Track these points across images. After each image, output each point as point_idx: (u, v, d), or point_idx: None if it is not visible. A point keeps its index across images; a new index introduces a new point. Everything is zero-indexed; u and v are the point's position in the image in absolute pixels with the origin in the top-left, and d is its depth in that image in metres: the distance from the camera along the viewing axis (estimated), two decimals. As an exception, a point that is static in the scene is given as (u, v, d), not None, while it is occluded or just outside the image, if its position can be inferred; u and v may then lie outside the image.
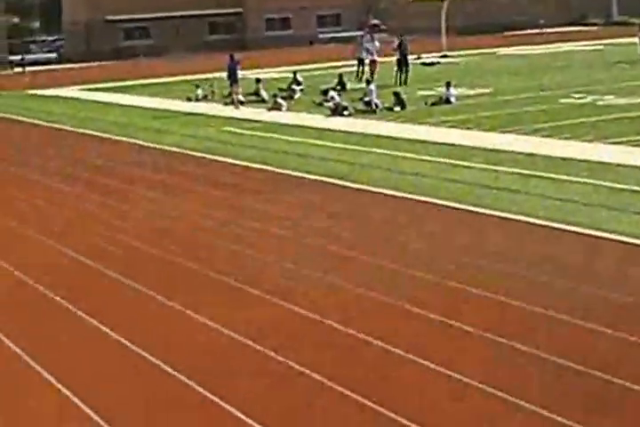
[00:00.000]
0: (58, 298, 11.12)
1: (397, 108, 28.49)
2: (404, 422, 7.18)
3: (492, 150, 20.03)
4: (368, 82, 30.34)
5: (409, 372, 8.31)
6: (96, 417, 7.64)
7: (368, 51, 37.91)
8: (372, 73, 36.90)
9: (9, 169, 22.05)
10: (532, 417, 7.18)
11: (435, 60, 47.20)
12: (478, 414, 7.31)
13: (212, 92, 36.57)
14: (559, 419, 7.07)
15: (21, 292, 11.66)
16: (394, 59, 37.32)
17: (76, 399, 8.03)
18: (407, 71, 36.48)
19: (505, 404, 7.44)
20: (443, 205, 15.05)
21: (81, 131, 28.73)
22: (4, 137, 28.65)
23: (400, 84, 35.42)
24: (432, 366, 8.31)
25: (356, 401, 7.63)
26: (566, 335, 9.04)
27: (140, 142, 25.10)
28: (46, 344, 9.61)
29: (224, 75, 34.39)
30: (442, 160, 19.29)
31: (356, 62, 39.65)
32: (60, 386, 8.35)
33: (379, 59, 37.90)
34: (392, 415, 7.31)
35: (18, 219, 15.98)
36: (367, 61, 38.16)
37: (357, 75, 38.27)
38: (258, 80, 35.83)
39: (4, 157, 24.03)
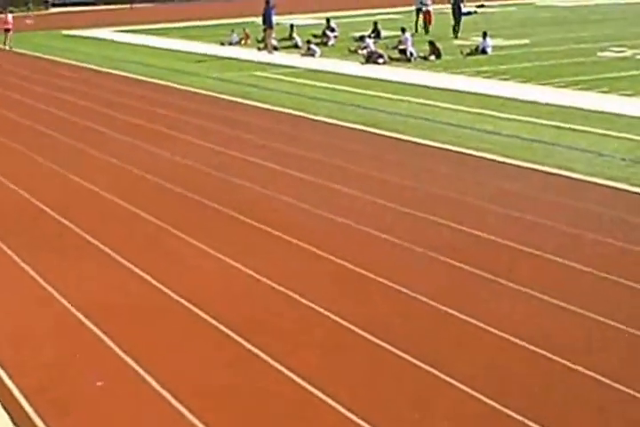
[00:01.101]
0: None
1: (432, 58, 28.18)
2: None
3: (528, 102, 19.80)
4: (403, 30, 30.00)
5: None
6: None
7: (422, 2, 37.15)
8: (426, 23, 36.50)
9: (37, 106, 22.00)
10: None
11: (471, 9, 46.58)
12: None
13: (246, 36, 36.32)
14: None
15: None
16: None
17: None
18: (459, 22, 35.48)
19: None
20: (476, 156, 14.92)
21: (115, 72, 28.55)
22: (39, 78, 28.50)
23: (455, 35, 34.77)
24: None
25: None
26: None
27: (174, 85, 24.94)
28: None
29: (259, 19, 34.13)
30: (476, 111, 19.08)
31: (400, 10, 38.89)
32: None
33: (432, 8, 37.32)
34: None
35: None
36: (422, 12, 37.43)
37: (416, 25, 37.40)
38: (292, 26, 35.56)
39: (33, 96, 23.95)
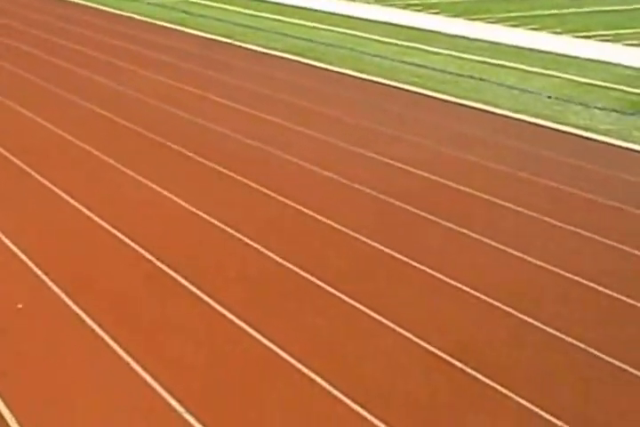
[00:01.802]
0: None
1: (364, -11, 27.89)
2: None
3: (457, 37, 19.69)
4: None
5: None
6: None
7: None
8: None
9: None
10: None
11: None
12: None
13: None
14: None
15: None
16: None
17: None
18: None
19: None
20: (402, 89, 14.83)
21: None
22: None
23: None
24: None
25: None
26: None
27: (100, 7, 24.37)
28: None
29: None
30: (405, 44, 18.93)
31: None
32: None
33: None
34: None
35: None
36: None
37: None
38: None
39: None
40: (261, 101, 13.92)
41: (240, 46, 18.72)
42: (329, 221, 8.86)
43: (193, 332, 6.65)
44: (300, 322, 6.84)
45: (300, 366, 6.11)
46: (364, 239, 8.46)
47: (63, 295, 7.21)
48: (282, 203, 9.42)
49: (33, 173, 10.32)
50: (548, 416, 5.48)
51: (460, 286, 7.41)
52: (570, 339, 6.50)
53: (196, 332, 6.65)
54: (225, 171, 10.40)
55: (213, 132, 12.19)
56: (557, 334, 6.57)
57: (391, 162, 10.83)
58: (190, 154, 11.07)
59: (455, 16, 22.58)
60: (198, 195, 9.65)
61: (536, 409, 5.54)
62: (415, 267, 7.82)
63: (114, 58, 17.25)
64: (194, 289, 7.33)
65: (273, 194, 9.63)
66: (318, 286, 7.44)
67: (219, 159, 10.80)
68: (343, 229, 8.68)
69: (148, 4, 25.10)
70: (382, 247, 8.23)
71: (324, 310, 7.05)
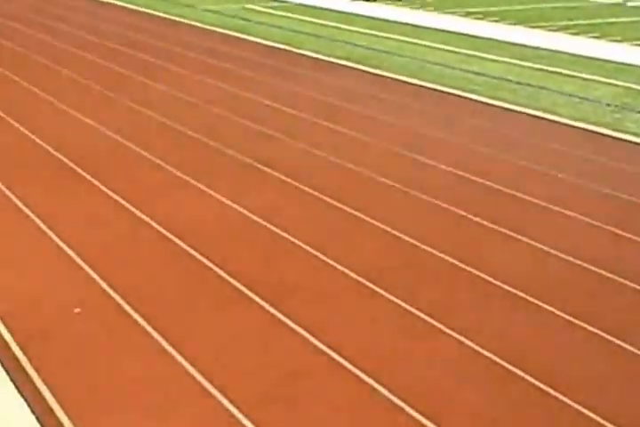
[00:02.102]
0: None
1: (424, -3, 27.98)
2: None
3: (517, 44, 19.69)
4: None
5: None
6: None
7: None
8: None
9: None
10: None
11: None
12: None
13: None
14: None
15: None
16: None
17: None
18: None
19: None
20: (461, 96, 14.88)
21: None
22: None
23: None
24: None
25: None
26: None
27: (162, 15, 24.67)
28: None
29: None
30: (464, 51, 18.97)
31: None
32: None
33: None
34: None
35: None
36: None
37: None
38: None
39: None
40: (321, 109, 14.03)
41: (300, 54, 18.86)
42: (389, 229, 8.95)
43: (256, 343, 6.75)
44: (356, 327, 6.94)
45: (358, 372, 6.22)
46: (429, 249, 8.56)
47: (122, 302, 7.35)
48: (344, 211, 9.53)
49: (94, 180, 10.52)
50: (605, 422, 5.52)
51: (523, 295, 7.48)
52: (630, 347, 6.53)
53: (258, 342, 6.74)
54: (289, 179, 10.53)
55: (275, 139, 12.32)
56: (618, 342, 6.60)
57: (449, 169, 10.89)
58: (256, 164, 11.21)
59: (515, 24, 22.57)
60: (263, 205, 9.76)
61: (594, 416, 5.58)
62: (472, 273, 7.89)
63: (174, 65, 17.48)
64: (259, 300, 7.46)
65: (335, 202, 9.74)
66: (374, 291, 7.55)
67: (284, 169, 10.93)
68: (410, 239, 8.78)
69: (208, 11, 25.41)
70: (446, 256, 8.32)
71: (377, 314, 7.14)
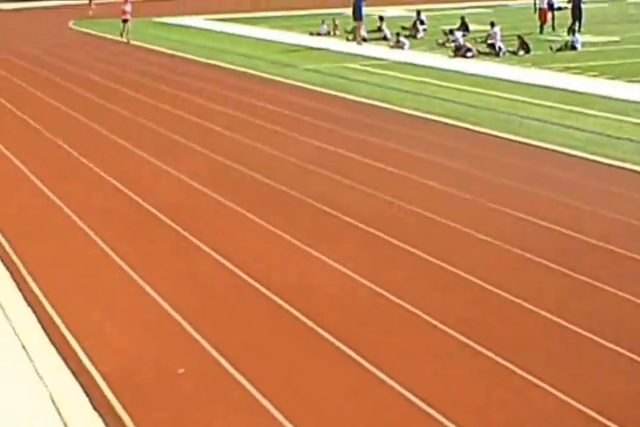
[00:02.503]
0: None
1: (521, 53, 28.07)
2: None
3: (615, 99, 19.68)
4: (492, 24, 29.86)
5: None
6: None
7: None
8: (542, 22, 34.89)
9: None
10: None
11: (561, 4, 46.03)
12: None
13: (336, 27, 36.51)
14: None
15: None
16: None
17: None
18: (580, 19, 33.35)
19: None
20: (559, 152, 14.95)
21: (213, 62, 28.73)
22: (135, 65, 29.02)
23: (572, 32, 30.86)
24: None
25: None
26: None
27: (264, 75, 25.23)
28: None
29: (348, 11, 34.30)
30: (562, 106, 19.03)
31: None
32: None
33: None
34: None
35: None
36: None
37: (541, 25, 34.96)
38: (381, 18, 35.65)
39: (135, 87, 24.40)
40: (418, 166, 14.21)
41: (398, 111, 19.11)
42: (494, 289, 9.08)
43: (348, 397, 6.91)
44: (451, 383, 7.07)
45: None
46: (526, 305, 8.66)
47: (223, 361, 7.52)
48: (448, 271, 9.69)
49: (180, 229, 10.86)
50: None
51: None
52: None
53: (351, 396, 6.91)
54: (388, 237, 10.74)
55: (372, 196, 12.53)
56: None
57: (555, 228, 10.98)
58: (354, 222, 11.46)
59: (614, 78, 22.54)
60: (364, 264, 9.93)
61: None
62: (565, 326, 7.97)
63: (270, 123, 17.82)
64: (358, 358, 7.64)
65: (434, 259, 9.91)
66: (464, 342, 7.66)
67: (380, 226, 11.12)
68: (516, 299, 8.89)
69: (307, 70, 25.91)
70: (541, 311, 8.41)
71: (475, 370, 7.25)
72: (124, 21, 35.43)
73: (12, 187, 13.70)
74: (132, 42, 34.87)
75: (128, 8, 35.61)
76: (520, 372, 7.11)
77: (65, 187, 13.29)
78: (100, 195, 12.88)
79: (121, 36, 35.67)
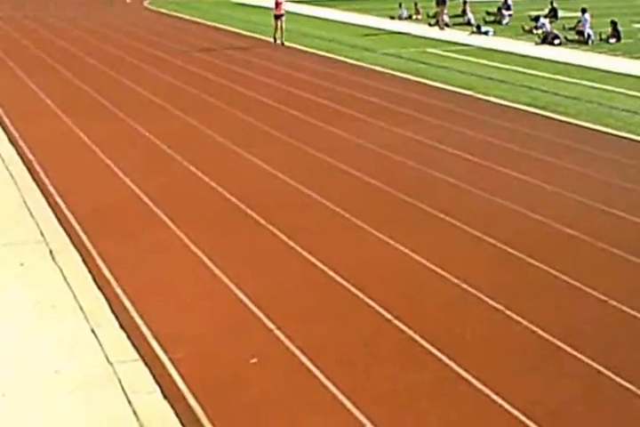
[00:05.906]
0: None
1: (613, 40, 27.28)
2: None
3: None
4: (583, 11, 29.08)
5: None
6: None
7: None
8: None
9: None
10: None
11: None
12: None
13: (417, 11, 36.01)
14: None
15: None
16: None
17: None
18: None
19: None
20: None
21: (293, 45, 28.34)
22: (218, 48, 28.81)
23: None
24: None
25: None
26: None
27: (343, 59, 24.84)
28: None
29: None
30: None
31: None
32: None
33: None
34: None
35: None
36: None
37: None
38: (465, 2, 35.02)
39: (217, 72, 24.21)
40: (509, 157, 13.76)
41: (482, 99, 18.61)
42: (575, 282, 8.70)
43: (432, 397, 6.61)
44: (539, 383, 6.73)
45: None
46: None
47: (297, 351, 7.28)
48: (526, 262, 9.31)
49: (273, 229, 10.54)
50: None
51: None
52: None
53: (434, 397, 6.61)
54: (468, 228, 10.37)
55: (454, 186, 12.14)
56: None
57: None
58: (435, 212, 11.10)
59: None
60: (440, 253, 9.63)
61: None
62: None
63: (350, 109, 17.40)
64: (439, 354, 7.32)
65: (515, 252, 9.52)
66: (546, 339, 7.31)
67: (461, 216, 10.76)
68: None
69: (387, 54, 25.46)
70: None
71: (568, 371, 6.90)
72: (278, 17, 28.06)
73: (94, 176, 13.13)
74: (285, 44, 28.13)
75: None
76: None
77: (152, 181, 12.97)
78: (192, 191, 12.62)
79: (274, 39, 28.25)
